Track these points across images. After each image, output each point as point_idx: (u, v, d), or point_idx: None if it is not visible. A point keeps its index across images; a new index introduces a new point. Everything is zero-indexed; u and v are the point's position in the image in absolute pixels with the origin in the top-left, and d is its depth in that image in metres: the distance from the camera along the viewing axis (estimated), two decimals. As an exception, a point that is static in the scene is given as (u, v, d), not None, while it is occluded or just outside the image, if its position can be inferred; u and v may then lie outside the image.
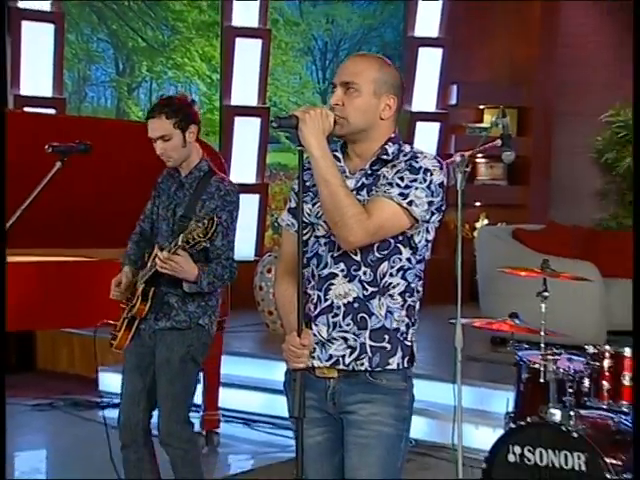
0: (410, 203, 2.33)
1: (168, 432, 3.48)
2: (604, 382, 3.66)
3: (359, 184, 2.41)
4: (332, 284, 2.39)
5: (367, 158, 2.43)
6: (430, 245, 2.45)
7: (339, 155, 2.44)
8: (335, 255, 2.39)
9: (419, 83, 9.21)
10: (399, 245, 2.39)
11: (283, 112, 7.83)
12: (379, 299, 2.38)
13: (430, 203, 2.36)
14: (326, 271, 2.40)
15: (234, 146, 8.39)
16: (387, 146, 2.42)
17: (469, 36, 9.24)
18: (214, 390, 5.01)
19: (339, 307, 2.38)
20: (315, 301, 2.41)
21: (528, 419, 3.64)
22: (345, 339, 2.39)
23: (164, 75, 8.44)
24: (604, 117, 9.12)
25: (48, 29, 7.58)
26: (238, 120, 8.42)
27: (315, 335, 2.39)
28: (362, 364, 2.38)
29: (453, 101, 9.42)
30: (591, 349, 3.75)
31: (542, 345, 3.86)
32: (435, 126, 9.30)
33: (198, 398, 4.85)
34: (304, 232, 2.38)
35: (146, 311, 3.46)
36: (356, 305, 2.38)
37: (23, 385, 6.16)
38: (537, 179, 9.53)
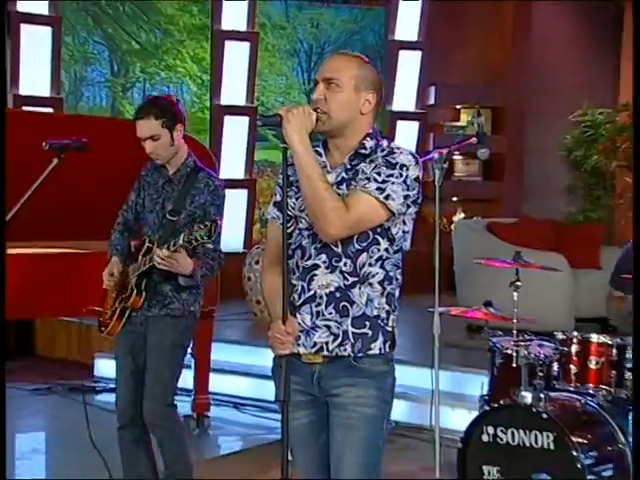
0: (387, 197, 2.33)
1: (155, 413, 3.47)
2: (572, 366, 3.67)
3: (339, 178, 2.41)
4: (315, 275, 2.39)
5: (346, 152, 2.42)
6: (407, 236, 2.45)
7: (320, 150, 2.44)
8: (318, 247, 2.39)
9: (399, 84, 9.21)
10: (377, 236, 2.39)
11: (269, 111, 7.80)
12: (359, 288, 2.38)
13: (406, 197, 2.36)
14: (309, 262, 2.40)
15: (224, 143, 8.37)
16: (365, 141, 2.42)
17: (446, 40, 9.23)
18: (205, 375, 4.99)
19: (322, 297, 2.38)
20: (299, 291, 2.41)
21: (501, 401, 3.65)
22: (328, 327, 2.39)
23: (157, 76, 8.40)
24: (573, 117, 9.15)
25: (46, 32, 7.55)
26: (227, 119, 8.40)
27: (300, 323, 2.38)
28: (345, 350, 2.38)
29: (431, 101, 9.42)
30: (560, 335, 3.76)
31: (514, 332, 3.87)
32: (414, 125, 9.30)
33: (189, 383, 4.87)
34: (288, 225, 2.38)
35: (142, 302, 3.46)
36: (338, 294, 2.38)
37: (23, 370, 6.14)
38: (510, 175, 9.55)
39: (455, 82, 9.37)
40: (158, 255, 3.28)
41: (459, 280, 6.60)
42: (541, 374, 3.68)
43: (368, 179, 2.35)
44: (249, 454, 4.70)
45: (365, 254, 2.38)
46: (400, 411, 4.93)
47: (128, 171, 3.67)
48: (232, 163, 8.33)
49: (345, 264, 2.37)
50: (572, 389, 3.68)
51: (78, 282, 4.35)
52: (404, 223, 2.41)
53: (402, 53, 9.19)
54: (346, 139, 2.42)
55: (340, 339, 2.38)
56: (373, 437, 2.40)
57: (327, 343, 2.39)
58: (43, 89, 7.60)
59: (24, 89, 7.45)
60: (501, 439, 3.52)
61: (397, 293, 2.45)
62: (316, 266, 2.39)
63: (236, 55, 8.37)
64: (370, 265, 2.39)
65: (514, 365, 3.74)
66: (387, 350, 2.42)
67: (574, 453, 3.37)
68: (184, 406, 4.57)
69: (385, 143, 2.43)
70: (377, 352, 2.40)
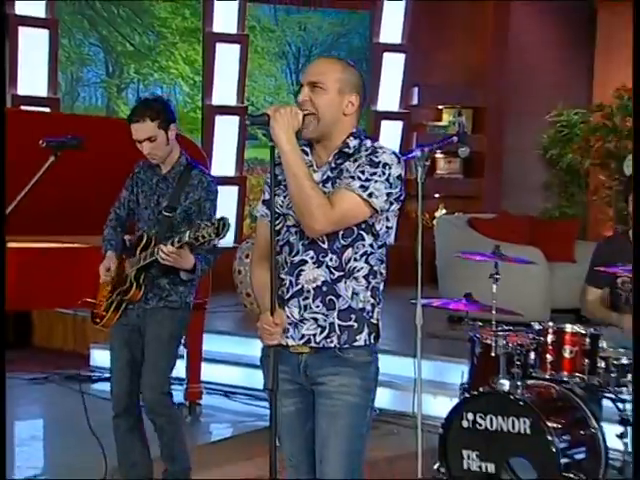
0: (370, 195, 2.34)
1: (155, 402, 3.48)
2: (548, 355, 3.67)
3: (324, 177, 2.41)
4: (302, 270, 2.39)
5: (331, 151, 2.42)
6: (390, 231, 2.45)
7: (306, 150, 2.44)
8: (305, 243, 2.39)
9: (383, 85, 9.21)
10: (362, 232, 2.39)
11: (259, 111, 7.81)
12: (345, 282, 2.38)
13: (389, 194, 2.36)
14: (297, 258, 2.40)
15: (215, 142, 8.36)
16: (349, 140, 2.42)
17: (429, 42, 9.24)
18: (197, 365, 4.99)
19: (309, 291, 2.38)
20: (287, 285, 2.41)
21: (480, 389, 3.65)
22: (315, 319, 2.39)
23: (150, 77, 8.38)
24: (549, 117, 9.17)
25: (43, 34, 7.53)
26: (218, 118, 8.39)
27: (288, 316, 2.39)
28: (332, 341, 2.38)
29: (414, 102, 9.43)
30: (536, 326, 3.76)
31: (493, 323, 3.88)
32: (398, 124, 9.31)
33: (182, 372, 4.87)
34: (277, 222, 2.37)
35: (141, 295, 3.45)
36: (324, 288, 2.38)
37: (21, 360, 6.11)
38: (490, 173, 9.57)
39: (437, 83, 9.38)
40: (163, 251, 3.26)
41: (441, 273, 6.62)
42: (518, 363, 3.69)
43: (352, 177, 2.35)
44: (239, 440, 4.70)
45: (350, 249, 2.38)
46: (384, 399, 4.93)
47: (122, 168, 3.66)
48: (223, 161, 8.32)
49: (331, 259, 2.37)
50: (548, 377, 3.69)
51: (74, 275, 4.34)
52: (387, 219, 2.42)
53: (386, 55, 9.19)
54: (331, 139, 2.42)
55: (327, 331, 2.38)
56: (356, 425, 2.41)
57: (314, 335, 2.39)
58: (40, 89, 7.57)
59: (22, 89, 7.42)
60: (480, 425, 3.53)
61: (381, 287, 2.45)
62: (303, 261, 2.39)
63: (227, 57, 8.36)
64: (355, 260, 2.39)
65: (493, 354, 3.75)
66: (372, 342, 2.42)
67: (549, 437, 3.38)
68: (177, 395, 4.54)
69: (368, 142, 2.43)
70: (362, 344, 2.40)
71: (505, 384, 3.61)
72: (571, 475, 3.39)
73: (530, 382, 3.72)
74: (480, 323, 4.03)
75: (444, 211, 9.03)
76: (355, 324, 2.39)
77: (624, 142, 8.50)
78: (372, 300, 2.42)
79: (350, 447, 2.40)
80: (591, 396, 3.74)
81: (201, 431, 4.90)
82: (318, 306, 2.38)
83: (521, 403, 3.48)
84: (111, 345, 3.60)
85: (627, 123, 8.55)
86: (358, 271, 2.39)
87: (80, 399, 4.36)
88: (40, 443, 4.87)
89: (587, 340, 3.64)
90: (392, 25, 9.23)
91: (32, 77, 7.48)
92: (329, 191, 2.36)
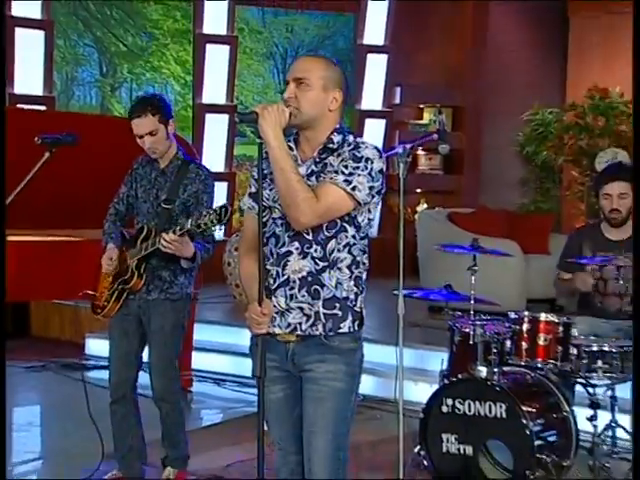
0: (353, 188, 2.33)
1: (163, 388, 3.52)
2: (523, 343, 3.68)
3: (309, 171, 2.40)
4: (288, 261, 2.39)
5: (316, 146, 2.42)
6: (372, 223, 2.46)
7: (292, 145, 2.43)
8: (290, 235, 2.39)
9: (367, 85, 9.20)
10: (345, 224, 2.39)
11: (247, 109, 7.79)
12: (329, 272, 2.38)
13: (371, 188, 2.36)
14: (283, 249, 2.40)
15: (205, 139, 8.34)
16: (333, 136, 2.41)
17: (410, 44, 9.24)
18: (188, 353, 4.99)
19: (295, 281, 2.38)
20: (274, 276, 2.40)
21: (459, 375, 3.66)
22: (301, 308, 2.39)
23: (143, 76, 8.34)
24: (524, 116, 9.20)
25: (39, 35, 7.49)
26: (209, 117, 8.37)
27: (275, 306, 2.38)
28: (317, 329, 2.38)
29: (397, 101, 9.43)
30: (512, 315, 3.77)
31: (472, 312, 3.89)
32: (381, 122, 9.31)
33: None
34: (263, 214, 2.36)
35: (142, 284, 3.45)
36: (310, 279, 2.37)
37: (19, 349, 6.08)
38: (469, 169, 9.59)
39: (418, 83, 9.39)
40: (165, 239, 3.25)
41: (422, 265, 6.62)
42: (495, 350, 3.70)
43: (336, 172, 2.35)
44: (229, 426, 4.70)
45: (334, 241, 2.38)
46: (367, 385, 4.93)
47: (116, 163, 3.64)
48: (213, 157, 8.28)
49: (316, 250, 2.37)
50: (523, 364, 3.70)
51: (74, 267, 4.32)
52: (369, 212, 2.42)
53: (370, 56, 9.18)
54: (315, 134, 2.41)
55: (312, 320, 2.38)
56: (342, 409, 2.41)
57: (300, 324, 2.39)
58: (36, 88, 7.53)
59: (18, 88, 7.37)
60: (459, 409, 3.54)
61: (364, 276, 2.45)
62: (289, 253, 2.39)
63: (216, 57, 8.34)
64: (339, 251, 2.39)
65: (471, 342, 3.76)
66: (356, 329, 2.42)
67: (524, 421, 3.40)
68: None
69: (351, 138, 2.42)
70: (346, 331, 2.40)
71: (482, 371, 3.62)
72: (544, 456, 3.41)
73: (506, 369, 3.73)
74: (459, 313, 4.04)
75: (425, 206, 9.04)
76: (339, 312, 2.39)
77: (595, 140, 8.54)
78: (355, 289, 2.42)
79: (336, 430, 2.40)
80: (563, 381, 3.76)
81: (192, 417, 4.88)
82: (304, 296, 2.38)
83: (497, 389, 3.50)
84: (111, 335, 3.59)
85: (598, 122, 8.59)
86: (341, 261, 2.39)
87: (76, 386, 4.36)
88: (37, 429, 4.85)
89: (560, 328, 3.66)
90: (375, 27, 9.22)
91: (28, 76, 7.43)
92: (313, 184, 2.36)
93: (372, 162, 2.36)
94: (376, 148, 2.40)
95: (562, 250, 4.17)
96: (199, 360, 5.27)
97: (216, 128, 8.36)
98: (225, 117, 8.35)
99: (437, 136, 3.77)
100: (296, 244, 2.38)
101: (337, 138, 2.41)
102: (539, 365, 3.68)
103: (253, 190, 2.48)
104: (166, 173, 3.50)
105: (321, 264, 2.38)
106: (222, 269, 6.83)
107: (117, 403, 3.54)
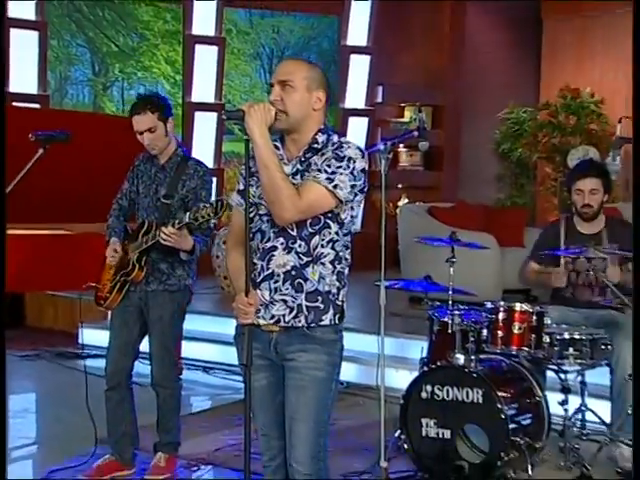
0: (335, 187, 2.33)
1: (161, 375, 3.53)
2: (499, 331, 3.69)
3: (294, 170, 2.40)
4: (273, 255, 2.38)
5: (301, 146, 2.41)
6: (355, 220, 2.45)
7: (278, 144, 2.43)
8: (275, 230, 2.39)
9: (350, 84, 9.19)
10: (328, 221, 2.39)
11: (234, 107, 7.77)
12: (313, 267, 2.38)
13: (353, 186, 2.36)
14: (268, 244, 2.39)
15: (194, 137, 8.31)
16: (317, 136, 2.41)
17: (392, 45, 9.23)
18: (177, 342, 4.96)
19: (279, 275, 2.38)
20: (259, 270, 2.40)
21: (438, 363, 3.67)
22: (285, 301, 2.38)
23: (134, 76, 8.30)
24: (501, 115, 9.22)
25: (33, 36, 7.44)
26: (198, 115, 8.34)
27: (259, 298, 2.38)
28: (300, 321, 2.38)
29: (379, 100, 9.42)
30: (489, 305, 3.78)
31: (450, 302, 3.90)
32: (364, 120, 9.30)
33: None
34: (250, 211, 2.36)
35: (142, 276, 3.45)
36: (293, 273, 2.37)
37: (14, 339, 6.04)
38: (448, 166, 9.61)
39: (400, 83, 9.38)
40: (164, 232, 3.25)
41: (403, 257, 6.63)
42: (472, 339, 3.70)
43: (319, 170, 2.35)
44: (217, 412, 4.70)
45: (317, 237, 2.38)
46: (350, 373, 4.96)
47: (108, 159, 3.63)
48: (202, 154, 8.19)
49: (300, 245, 2.37)
50: (498, 351, 3.71)
51: (70, 260, 4.30)
52: (352, 209, 2.41)
53: (353, 57, 9.17)
54: (301, 134, 2.41)
55: (295, 312, 2.38)
56: (323, 397, 2.41)
57: (284, 315, 2.39)
58: (31, 87, 7.47)
59: (13, 87, 7.31)
60: (437, 395, 3.55)
61: (346, 271, 2.45)
62: (274, 247, 2.38)
63: (205, 57, 8.30)
64: (322, 246, 2.38)
65: (449, 331, 3.76)
66: (337, 321, 2.42)
67: (499, 406, 3.41)
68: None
69: (335, 138, 2.42)
70: (328, 323, 2.40)
71: (460, 358, 3.63)
72: (518, 439, 3.43)
73: (483, 356, 3.74)
74: (438, 303, 4.05)
75: (406, 200, 9.04)
76: (321, 305, 2.39)
77: (567, 138, 8.59)
78: (337, 284, 2.41)
79: (317, 417, 2.40)
80: (536, 368, 3.78)
81: (182, 403, 4.85)
82: (287, 289, 2.38)
83: (474, 375, 3.51)
84: (111, 325, 3.60)
85: (570, 121, 8.63)
86: (325, 257, 2.39)
87: (69, 374, 4.34)
88: (32, 415, 4.82)
89: (534, 317, 3.68)
90: (358, 29, 9.21)
91: (23, 75, 7.37)
92: (298, 183, 2.35)
93: (354, 161, 2.36)
94: (359, 148, 2.40)
95: (535, 242, 4.19)
96: (188, 349, 5.25)
97: (205, 126, 8.33)
98: (214, 115, 8.32)
99: (417, 133, 3.76)
100: (281, 239, 2.38)
101: (321, 138, 2.41)
102: (514, 352, 3.69)
103: (241, 187, 2.47)
104: (166, 169, 3.50)
105: (305, 259, 2.37)
106: (211, 261, 6.81)
107: (112, 390, 3.55)
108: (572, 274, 4.01)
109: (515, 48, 9.72)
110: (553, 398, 3.74)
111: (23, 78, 7.38)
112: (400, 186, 9.20)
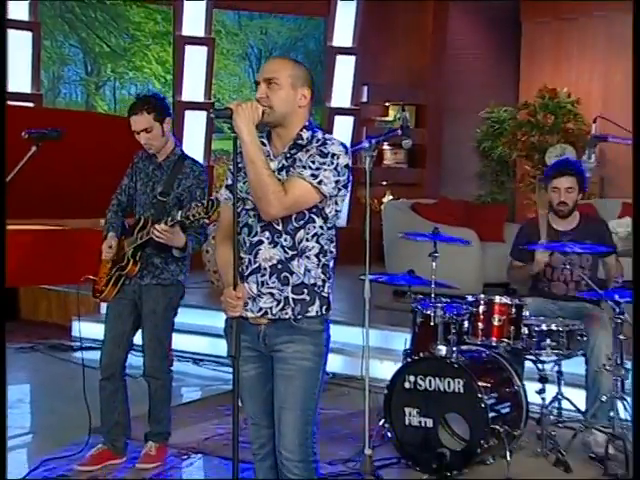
0: (320, 182, 2.33)
1: (153, 367, 3.53)
2: (479, 323, 3.71)
3: (280, 165, 2.39)
4: (260, 249, 2.38)
5: (287, 142, 2.41)
6: (339, 214, 2.45)
7: (265, 141, 2.42)
8: (262, 225, 2.38)
9: (336, 84, 9.18)
10: (313, 215, 2.38)
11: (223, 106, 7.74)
12: (298, 260, 2.37)
13: (337, 182, 2.36)
14: (255, 238, 2.39)
15: (185, 135, 8.26)
16: (302, 132, 2.40)
17: (377, 46, 9.22)
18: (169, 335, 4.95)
19: (266, 268, 2.37)
20: (246, 263, 2.40)
21: (421, 354, 3.68)
22: (272, 294, 2.38)
23: (125, 75, 8.26)
24: (482, 114, 9.24)
25: (27, 36, 7.38)
26: (188, 113, 8.30)
27: (247, 292, 2.37)
28: (286, 313, 2.38)
29: (364, 99, 9.41)
30: (470, 298, 3.79)
31: (433, 295, 3.91)
32: (350, 119, 9.29)
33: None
34: (237, 205, 2.35)
35: (137, 270, 3.45)
36: (280, 266, 2.37)
37: (9, 332, 5.93)
38: (431, 163, 9.62)
39: (384, 83, 9.38)
40: (156, 229, 3.25)
41: (387, 252, 6.64)
42: (454, 330, 3.72)
43: (304, 167, 2.34)
44: (207, 402, 4.69)
45: (302, 231, 2.37)
46: (336, 364, 4.96)
47: (99, 157, 3.61)
48: (192, 152, 8.07)
49: (285, 240, 2.37)
50: (479, 342, 3.73)
51: (75, 254, 4.28)
52: (336, 204, 2.41)
53: (339, 57, 9.15)
54: (286, 130, 2.40)
55: (282, 304, 2.38)
56: (310, 387, 2.41)
57: (271, 308, 2.39)
58: (25, 86, 7.42)
59: (8, 86, 7.23)
60: (420, 385, 3.56)
61: (331, 264, 2.45)
62: (260, 242, 2.38)
63: (195, 58, 8.26)
64: (307, 240, 2.38)
65: (432, 324, 3.78)
66: (323, 313, 2.42)
67: (479, 395, 3.43)
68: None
69: (320, 134, 2.42)
70: (314, 314, 2.40)
71: (442, 349, 3.64)
72: (497, 426, 3.45)
73: (464, 347, 3.76)
74: (421, 296, 4.06)
75: (390, 197, 9.05)
76: (307, 297, 2.39)
77: (545, 136, 8.63)
78: (323, 276, 2.41)
79: (304, 406, 2.40)
80: (515, 358, 3.80)
81: (173, 394, 4.82)
82: (274, 282, 2.37)
83: (456, 366, 3.52)
84: (106, 317, 3.60)
85: (548, 120, 8.67)
86: (310, 250, 2.39)
87: (63, 366, 4.32)
88: (27, 406, 4.80)
89: (513, 310, 3.69)
90: (344, 31, 9.19)
91: (16, 75, 7.31)
92: (283, 178, 2.35)
93: (338, 158, 2.36)
94: (342, 144, 2.39)
95: (513, 240, 4.20)
96: (179, 341, 5.21)
97: (195, 124, 8.31)
98: (203, 114, 8.29)
99: (401, 132, 3.77)
100: (267, 234, 2.37)
101: (306, 134, 2.40)
102: (494, 344, 3.71)
103: (229, 182, 2.46)
104: (163, 167, 3.50)
105: (290, 253, 2.37)
106: (201, 256, 6.79)
107: (107, 380, 3.55)
108: (547, 269, 4.03)
109: (495, 49, 9.74)
110: (531, 387, 3.77)
111: (17, 77, 7.32)
112: (384, 183, 9.21)
